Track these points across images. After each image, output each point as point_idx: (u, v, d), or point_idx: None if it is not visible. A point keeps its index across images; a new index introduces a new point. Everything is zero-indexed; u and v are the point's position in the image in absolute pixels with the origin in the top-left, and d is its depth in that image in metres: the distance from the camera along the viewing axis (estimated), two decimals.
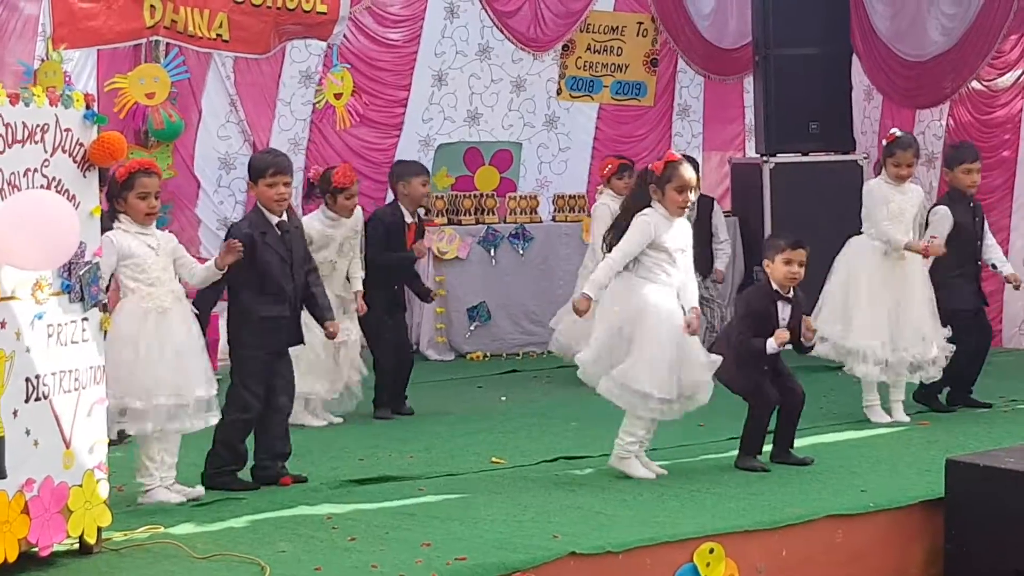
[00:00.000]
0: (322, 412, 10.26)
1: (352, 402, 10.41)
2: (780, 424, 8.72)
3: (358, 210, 10.35)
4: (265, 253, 8.32)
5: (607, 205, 11.45)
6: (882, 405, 10.00)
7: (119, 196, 7.76)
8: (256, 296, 8.30)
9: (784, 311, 8.64)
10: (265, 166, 8.42)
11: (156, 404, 7.65)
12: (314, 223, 9.97)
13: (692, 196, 8.35)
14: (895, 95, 14.42)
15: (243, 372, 8.34)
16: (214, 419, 7.92)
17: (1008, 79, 13.54)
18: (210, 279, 8.05)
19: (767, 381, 8.62)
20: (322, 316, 8.73)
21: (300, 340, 8.56)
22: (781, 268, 8.62)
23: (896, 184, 9.95)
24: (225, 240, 8.24)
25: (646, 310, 8.22)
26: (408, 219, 10.69)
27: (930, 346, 9.90)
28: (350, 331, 10.18)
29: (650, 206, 8.30)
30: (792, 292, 8.68)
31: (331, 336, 8.83)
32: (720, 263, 12.88)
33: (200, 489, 8.01)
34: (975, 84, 13.76)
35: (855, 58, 14.43)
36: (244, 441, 8.34)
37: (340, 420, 10.30)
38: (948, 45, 13.89)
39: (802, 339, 8.64)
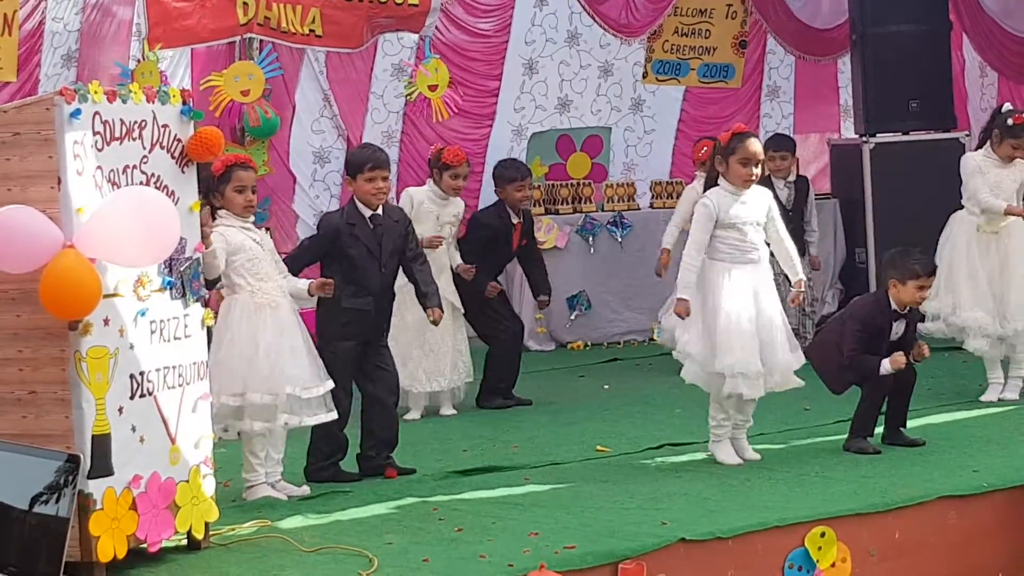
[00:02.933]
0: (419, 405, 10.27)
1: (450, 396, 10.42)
2: (891, 404, 8.60)
3: (461, 200, 10.44)
4: (352, 245, 8.38)
5: (695, 189, 11.37)
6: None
7: (216, 190, 7.75)
8: (342, 286, 8.30)
9: (899, 327, 8.55)
10: (363, 161, 8.46)
11: (287, 394, 7.64)
12: (420, 192, 10.21)
13: (757, 170, 8.27)
14: (1008, 71, 14.25)
15: (329, 361, 8.33)
16: (330, 416, 7.91)
17: None
18: (296, 297, 8.01)
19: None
20: (424, 301, 8.76)
21: (384, 333, 8.55)
22: (912, 293, 8.51)
23: (1002, 162, 9.78)
24: (317, 227, 8.32)
25: (715, 292, 8.18)
26: (514, 219, 10.75)
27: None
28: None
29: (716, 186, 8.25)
30: (908, 309, 8.56)
31: (434, 322, 8.83)
32: (814, 249, 12.70)
33: (306, 488, 8.01)
34: None
35: (964, 36, 14.25)
36: (340, 431, 8.32)
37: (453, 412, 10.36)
38: None
39: (913, 358, 8.52)
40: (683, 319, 8.25)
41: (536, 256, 11.22)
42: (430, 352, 10.15)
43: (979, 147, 9.99)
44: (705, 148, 11.57)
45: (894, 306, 8.53)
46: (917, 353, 8.52)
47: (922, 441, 8.54)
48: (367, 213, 8.43)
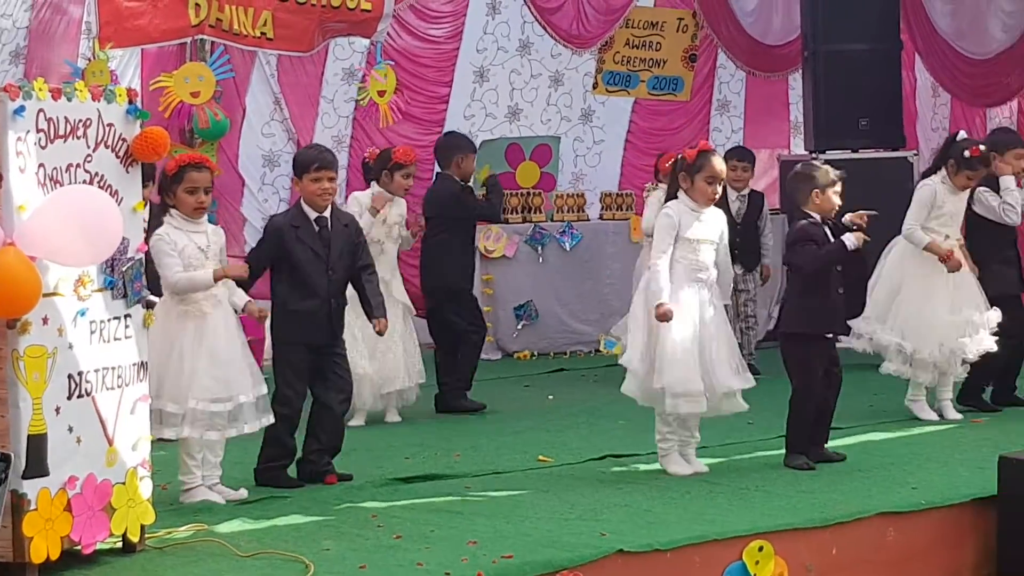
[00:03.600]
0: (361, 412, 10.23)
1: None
2: (814, 419, 8.62)
3: (403, 201, 10.47)
4: (297, 248, 8.33)
5: (659, 197, 11.46)
6: (931, 405, 9.91)
7: (169, 190, 7.72)
8: (289, 290, 8.30)
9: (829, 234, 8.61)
10: (310, 161, 8.42)
11: (192, 408, 7.61)
12: (366, 196, 10.16)
13: (719, 188, 8.30)
14: (962, 93, 14.35)
15: (280, 366, 8.34)
16: (266, 421, 7.89)
17: None
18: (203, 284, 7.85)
19: (819, 364, 8.52)
20: (370, 311, 8.70)
21: (338, 335, 8.49)
22: (831, 198, 8.59)
23: (955, 189, 9.84)
24: (264, 231, 8.40)
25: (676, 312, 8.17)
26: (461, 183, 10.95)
27: (978, 337, 9.79)
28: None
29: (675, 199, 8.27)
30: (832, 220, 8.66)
31: (378, 332, 8.76)
32: (767, 259, 12.75)
33: (243, 492, 7.96)
34: None
35: (916, 56, 14.34)
36: (290, 435, 8.29)
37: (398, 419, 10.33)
38: (1010, 42, 13.78)
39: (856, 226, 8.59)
40: (669, 321, 8.22)
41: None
42: (381, 356, 10.10)
43: (932, 171, 9.99)
44: (671, 160, 11.57)
45: (816, 218, 8.57)
46: (857, 217, 8.58)
47: (842, 456, 8.57)
48: (312, 215, 8.39)
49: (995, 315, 9.82)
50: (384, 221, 10.16)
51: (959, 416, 9.89)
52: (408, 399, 10.43)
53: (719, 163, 8.28)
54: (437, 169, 11.29)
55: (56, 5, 11.73)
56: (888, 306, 9.78)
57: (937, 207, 9.82)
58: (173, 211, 7.75)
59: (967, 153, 9.80)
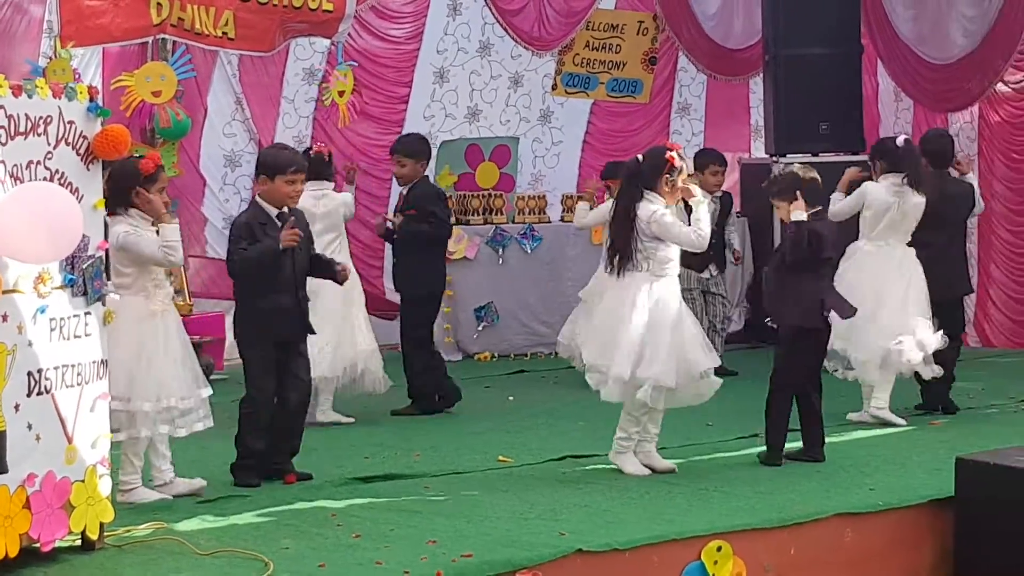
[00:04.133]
0: (330, 412, 10.20)
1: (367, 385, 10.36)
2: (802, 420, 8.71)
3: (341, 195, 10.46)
4: (264, 244, 8.32)
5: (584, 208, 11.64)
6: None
7: (143, 189, 7.68)
8: (258, 287, 8.27)
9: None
10: (287, 163, 8.42)
11: (166, 407, 7.65)
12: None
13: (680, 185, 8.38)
14: (923, 98, 14.44)
15: (248, 366, 8.34)
16: (200, 426, 7.88)
17: None
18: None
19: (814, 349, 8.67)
20: (329, 268, 8.61)
21: (306, 330, 8.49)
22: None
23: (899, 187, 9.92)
24: (230, 235, 8.43)
25: (633, 305, 8.23)
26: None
27: (921, 342, 9.88)
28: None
29: (642, 200, 8.27)
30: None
31: (343, 277, 8.65)
32: (735, 243, 12.83)
33: (200, 481, 7.95)
34: (1001, 87, 13.72)
35: (879, 60, 14.44)
36: (256, 436, 8.29)
37: (351, 420, 10.26)
38: (971, 47, 13.87)
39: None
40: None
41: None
42: (339, 346, 10.08)
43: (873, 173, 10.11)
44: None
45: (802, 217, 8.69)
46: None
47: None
48: (273, 212, 8.39)
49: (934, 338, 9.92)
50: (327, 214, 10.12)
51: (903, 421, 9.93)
52: (374, 386, 10.38)
53: (685, 167, 8.38)
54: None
55: (17, 4, 11.66)
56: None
57: (879, 211, 9.93)
58: (132, 211, 7.73)
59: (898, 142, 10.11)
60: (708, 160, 12.39)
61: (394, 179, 11.26)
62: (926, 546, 7.76)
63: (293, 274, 8.37)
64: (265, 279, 8.29)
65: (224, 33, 12.15)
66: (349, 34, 13.01)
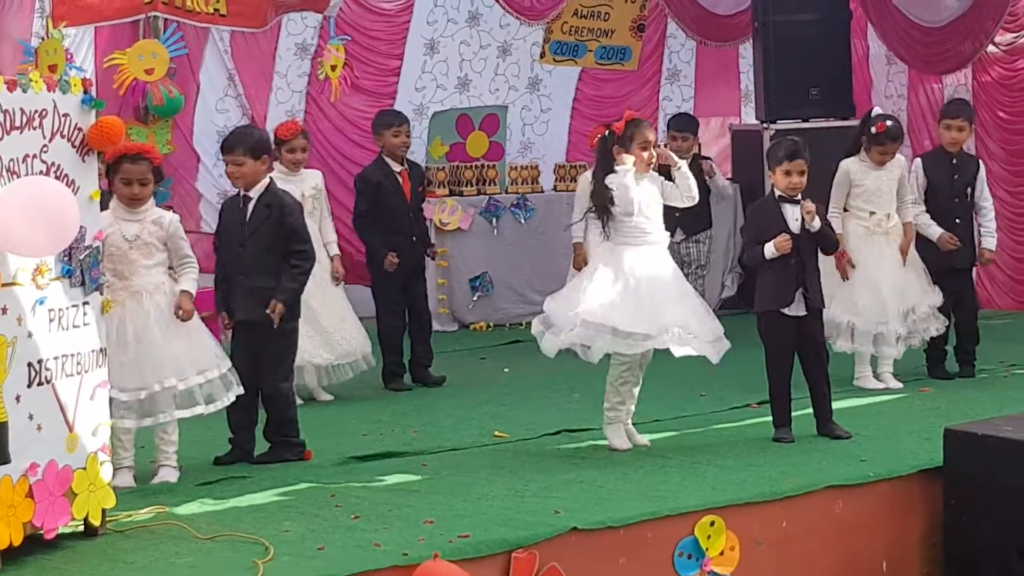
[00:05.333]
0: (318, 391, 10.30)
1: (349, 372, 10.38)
2: (810, 391, 8.75)
3: (316, 172, 10.51)
4: (223, 222, 8.59)
5: (587, 179, 11.58)
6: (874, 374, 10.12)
7: (109, 178, 7.78)
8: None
9: (794, 212, 8.60)
10: (221, 145, 8.72)
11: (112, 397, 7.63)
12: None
13: (655, 152, 8.41)
14: (915, 62, 14.46)
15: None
16: (187, 413, 7.95)
17: None
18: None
19: (782, 339, 8.63)
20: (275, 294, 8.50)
21: (251, 312, 8.39)
22: (782, 179, 8.63)
23: (874, 165, 9.99)
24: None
25: (624, 267, 8.27)
26: (396, 167, 10.75)
27: (930, 298, 10.07)
28: (331, 299, 10.27)
29: (614, 171, 8.34)
30: (800, 197, 8.65)
31: (270, 313, 8.36)
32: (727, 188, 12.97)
33: (173, 477, 7.98)
34: (992, 48, 13.77)
35: (868, 24, 14.47)
36: (234, 420, 8.41)
37: (330, 398, 10.32)
38: (962, 10, 13.91)
39: (806, 225, 8.56)
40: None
41: (421, 214, 11.23)
42: (320, 330, 10.12)
43: (854, 150, 10.14)
44: (600, 134, 11.63)
45: (779, 193, 8.67)
46: (805, 213, 8.54)
47: (848, 434, 8.61)
48: (241, 192, 8.58)
49: (936, 296, 10.04)
50: (302, 196, 10.11)
51: (900, 384, 10.08)
52: (344, 374, 10.36)
53: (648, 129, 8.42)
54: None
55: None
56: (836, 284, 9.87)
57: (856, 184, 10.00)
58: (115, 198, 7.82)
59: (873, 130, 9.96)
60: (670, 127, 12.56)
61: None
62: (916, 516, 7.86)
63: (237, 257, 8.46)
64: (219, 258, 8.54)
65: (216, 10, 12.18)
66: (340, 8, 13.03)
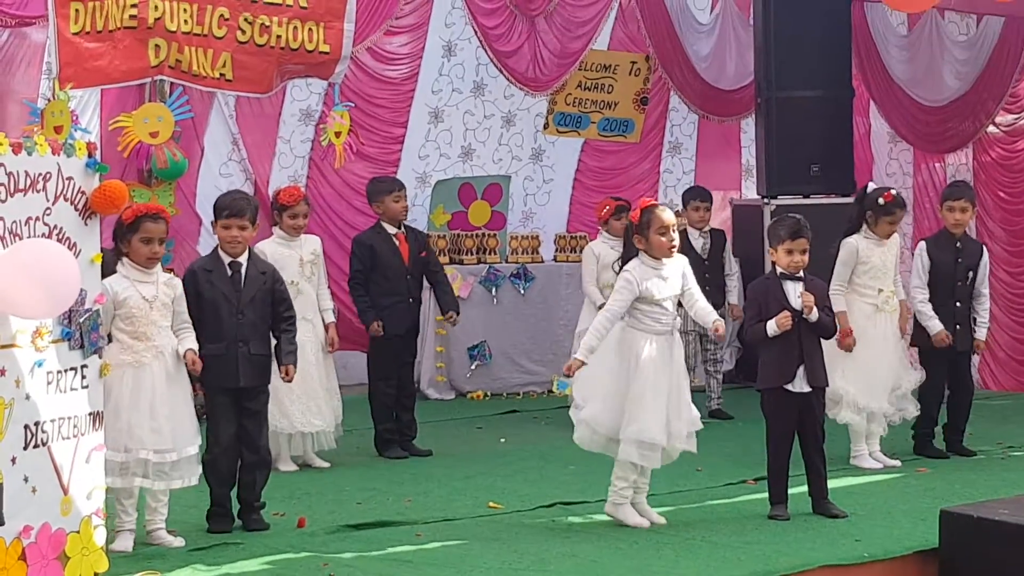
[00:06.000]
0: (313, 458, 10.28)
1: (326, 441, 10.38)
2: (806, 469, 8.73)
3: (315, 238, 10.53)
4: (207, 291, 8.41)
5: (592, 250, 11.67)
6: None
7: (124, 238, 7.82)
8: (202, 334, 8.32)
9: (796, 288, 8.62)
10: (221, 208, 8.63)
11: (122, 460, 7.72)
12: (267, 245, 10.07)
13: (676, 236, 8.42)
14: (917, 140, 14.56)
15: (209, 413, 8.49)
16: (189, 481, 7.99)
17: None
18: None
19: (782, 416, 8.63)
20: (279, 357, 8.65)
21: (244, 381, 8.45)
22: (784, 258, 8.64)
23: (880, 240, 10.02)
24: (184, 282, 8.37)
25: (637, 359, 8.28)
26: (392, 230, 10.76)
27: (912, 374, 10.15)
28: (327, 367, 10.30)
29: (636, 257, 8.37)
30: (803, 274, 8.67)
31: (284, 379, 8.70)
32: (733, 298, 12.92)
33: (180, 540, 7.99)
34: (992, 129, 13.85)
35: (871, 102, 14.57)
36: (218, 485, 8.40)
37: (326, 464, 10.29)
38: (963, 90, 14.02)
39: (803, 311, 8.55)
40: (568, 377, 8.43)
41: (438, 271, 11.22)
42: (302, 396, 10.10)
43: (855, 228, 10.16)
44: (607, 207, 11.72)
45: (780, 270, 8.67)
46: (803, 303, 8.55)
47: (844, 513, 8.61)
48: (227, 259, 8.49)
49: (917, 376, 10.13)
50: (300, 262, 10.17)
51: (898, 463, 10.08)
52: (326, 443, 10.38)
53: (665, 214, 8.39)
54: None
55: (20, 32, 11.78)
56: (839, 357, 9.87)
57: (862, 262, 10.03)
58: (125, 259, 7.85)
59: (881, 200, 10.00)
60: (689, 196, 12.57)
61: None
62: None
63: (236, 324, 8.42)
64: (207, 327, 8.35)
65: (222, 74, 12.22)
66: (345, 75, 13.10)
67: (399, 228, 10.81)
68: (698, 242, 12.28)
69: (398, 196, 10.80)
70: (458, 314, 11.09)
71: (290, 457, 10.16)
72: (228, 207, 8.55)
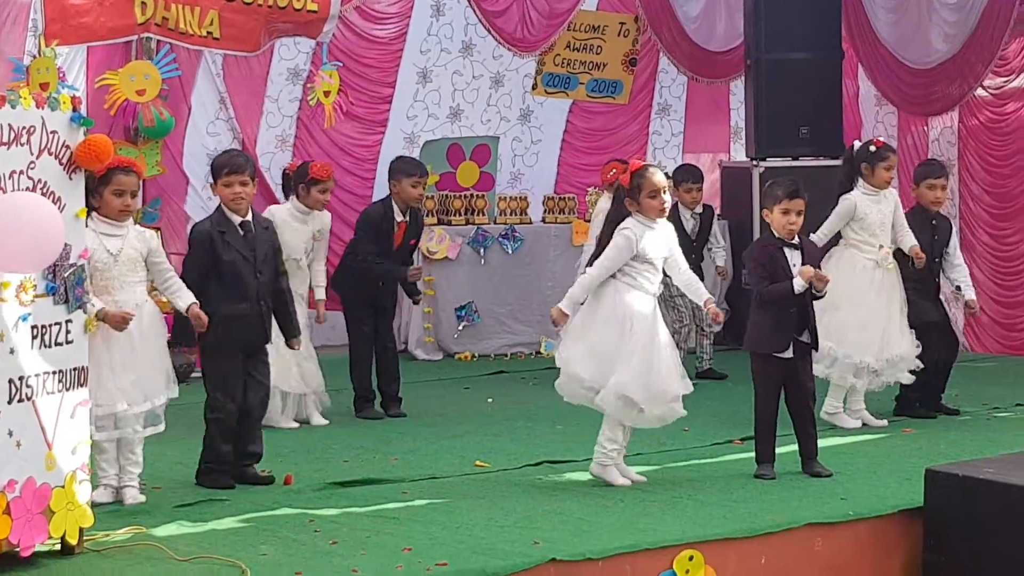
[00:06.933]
0: (290, 414, 10.26)
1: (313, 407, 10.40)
2: (795, 430, 8.73)
3: (327, 214, 10.46)
4: (224, 252, 8.39)
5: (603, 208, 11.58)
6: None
7: (95, 191, 7.74)
8: (221, 295, 8.33)
9: (793, 256, 8.60)
10: (221, 166, 8.55)
11: (97, 414, 7.62)
12: (281, 212, 10.05)
13: (667, 197, 8.38)
14: (903, 103, 14.52)
15: (212, 372, 8.47)
16: (153, 431, 7.96)
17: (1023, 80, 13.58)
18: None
19: (771, 380, 8.61)
20: (287, 331, 8.76)
21: (266, 339, 8.57)
22: (779, 218, 8.59)
23: (876, 192, 10.00)
24: (189, 239, 8.48)
25: (632, 318, 8.26)
26: (398, 217, 10.69)
27: (902, 348, 10.06)
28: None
29: (630, 216, 8.35)
30: (798, 239, 8.66)
31: (290, 347, 8.87)
32: (720, 260, 12.90)
33: (142, 498, 7.92)
34: (980, 92, 13.83)
35: (859, 64, 14.54)
36: (224, 441, 8.37)
37: (296, 425, 10.25)
38: (951, 52, 13.97)
39: (813, 289, 8.56)
40: (555, 327, 8.40)
41: (409, 261, 11.17)
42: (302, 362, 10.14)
43: (849, 187, 10.13)
44: (614, 170, 11.63)
45: (777, 235, 8.65)
46: (817, 280, 8.53)
47: (829, 472, 8.60)
48: (236, 220, 8.47)
49: (911, 347, 10.10)
50: (312, 236, 10.18)
51: (883, 422, 10.08)
52: (322, 405, 10.44)
53: (656, 176, 8.36)
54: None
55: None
56: (828, 310, 9.84)
57: (860, 218, 9.99)
58: (95, 214, 7.75)
59: (872, 148, 10.02)
60: (681, 177, 12.41)
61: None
62: (895, 555, 7.83)
63: (257, 284, 8.44)
64: (229, 289, 8.36)
65: (209, 33, 12.20)
66: (334, 34, 13.06)
67: (405, 215, 10.75)
68: (689, 223, 12.20)
69: (417, 182, 10.70)
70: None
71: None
72: (227, 164, 8.51)
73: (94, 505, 7.16)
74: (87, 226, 7.50)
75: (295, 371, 10.08)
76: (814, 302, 8.74)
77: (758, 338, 8.69)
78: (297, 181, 10.28)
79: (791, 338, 8.58)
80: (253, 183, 8.59)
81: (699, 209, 12.38)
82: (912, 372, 10.10)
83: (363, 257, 10.58)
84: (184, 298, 8.04)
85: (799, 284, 8.50)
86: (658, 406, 8.30)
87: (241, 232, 8.45)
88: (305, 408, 10.30)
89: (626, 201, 8.36)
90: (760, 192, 13.40)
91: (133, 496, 7.90)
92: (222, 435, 8.36)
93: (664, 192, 8.34)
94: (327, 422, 10.32)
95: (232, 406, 8.39)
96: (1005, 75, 13.73)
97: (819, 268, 8.70)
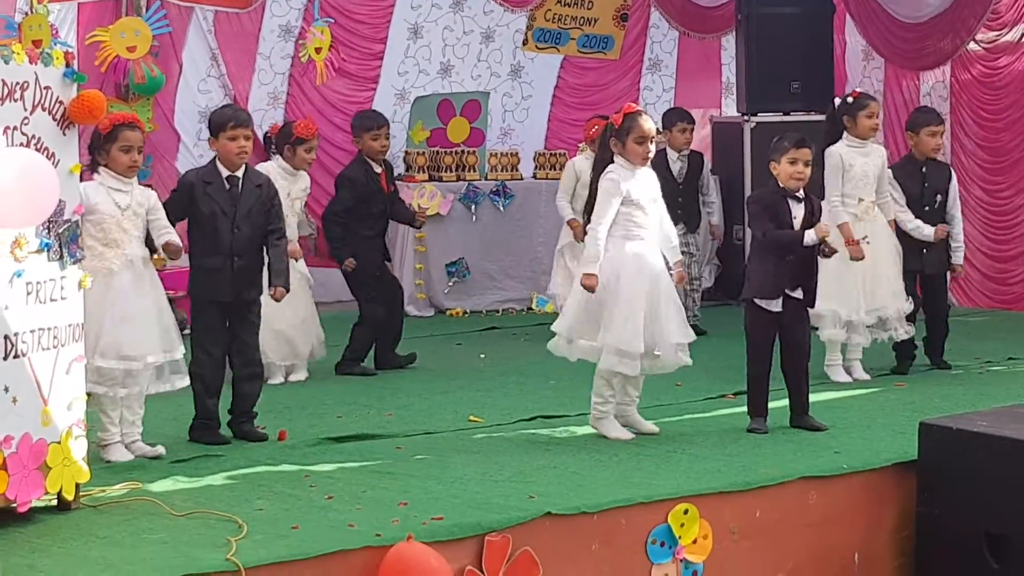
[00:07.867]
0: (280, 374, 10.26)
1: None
2: (787, 385, 8.74)
3: (306, 176, 10.41)
4: (204, 203, 8.39)
5: (573, 165, 11.59)
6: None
7: (101, 148, 7.77)
8: (198, 246, 8.38)
9: (797, 210, 8.59)
10: (226, 119, 8.50)
11: (98, 366, 7.65)
12: (268, 168, 9.96)
13: (652, 146, 8.38)
14: (895, 57, 14.49)
15: (195, 325, 8.49)
16: (179, 383, 7.99)
17: (1016, 33, 13.52)
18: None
19: (764, 330, 8.60)
20: (271, 278, 8.64)
21: (241, 296, 8.47)
22: (786, 168, 8.54)
23: (862, 144, 9.99)
24: (177, 185, 8.53)
25: (624, 267, 8.26)
26: (377, 169, 10.70)
27: (899, 303, 10.07)
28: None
29: (612, 163, 8.34)
30: (803, 193, 8.64)
31: (274, 298, 8.63)
32: (715, 218, 12.91)
33: (160, 449, 7.98)
34: (973, 46, 13.80)
35: (848, 18, 14.50)
36: (207, 396, 8.38)
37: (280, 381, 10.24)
38: (943, 6, 13.93)
39: (823, 247, 8.56)
40: (592, 293, 8.30)
41: (398, 198, 11.17)
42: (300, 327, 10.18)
43: (833, 140, 10.13)
44: (596, 127, 11.64)
45: (782, 185, 8.63)
46: (820, 233, 8.50)
47: (824, 426, 8.62)
48: (225, 173, 8.45)
49: (906, 304, 10.14)
50: (288, 195, 10.12)
51: (867, 376, 10.12)
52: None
53: (648, 122, 8.37)
54: None
55: None
56: (830, 275, 9.83)
57: (846, 170, 9.99)
58: (102, 169, 7.78)
59: (850, 99, 10.07)
60: (675, 118, 12.45)
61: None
62: (889, 508, 7.86)
63: (231, 238, 8.39)
64: (204, 240, 8.38)
65: None
66: None
67: (382, 166, 10.74)
68: (676, 165, 12.23)
69: (376, 135, 10.67)
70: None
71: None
72: (233, 118, 8.49)
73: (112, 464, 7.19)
74: (94, 180, 7.53)
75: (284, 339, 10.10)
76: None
77: (751, 285, 8.67)
78: (282, 142, 10.24)
79: (782, 290, 8.57)
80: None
81: (686, 152, 12.37)
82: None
83: (332, 218, 10.64)
84: (165, 237, 7.97)
85: (811, 238, 8.49)
86: (659, 357, 8.30)
87: (227, 186, 8.43)
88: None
89: (611, 141, 8.36)
90: (751, 146, 13.46)
91: (140, 448, 7.95)
92: (206, 389, 8.36)
93: (651, 142, 8.34)
94: (307, 376, 10.33)
95: (211, 361, 8.37)
96: (997, 29, 13.69)
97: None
